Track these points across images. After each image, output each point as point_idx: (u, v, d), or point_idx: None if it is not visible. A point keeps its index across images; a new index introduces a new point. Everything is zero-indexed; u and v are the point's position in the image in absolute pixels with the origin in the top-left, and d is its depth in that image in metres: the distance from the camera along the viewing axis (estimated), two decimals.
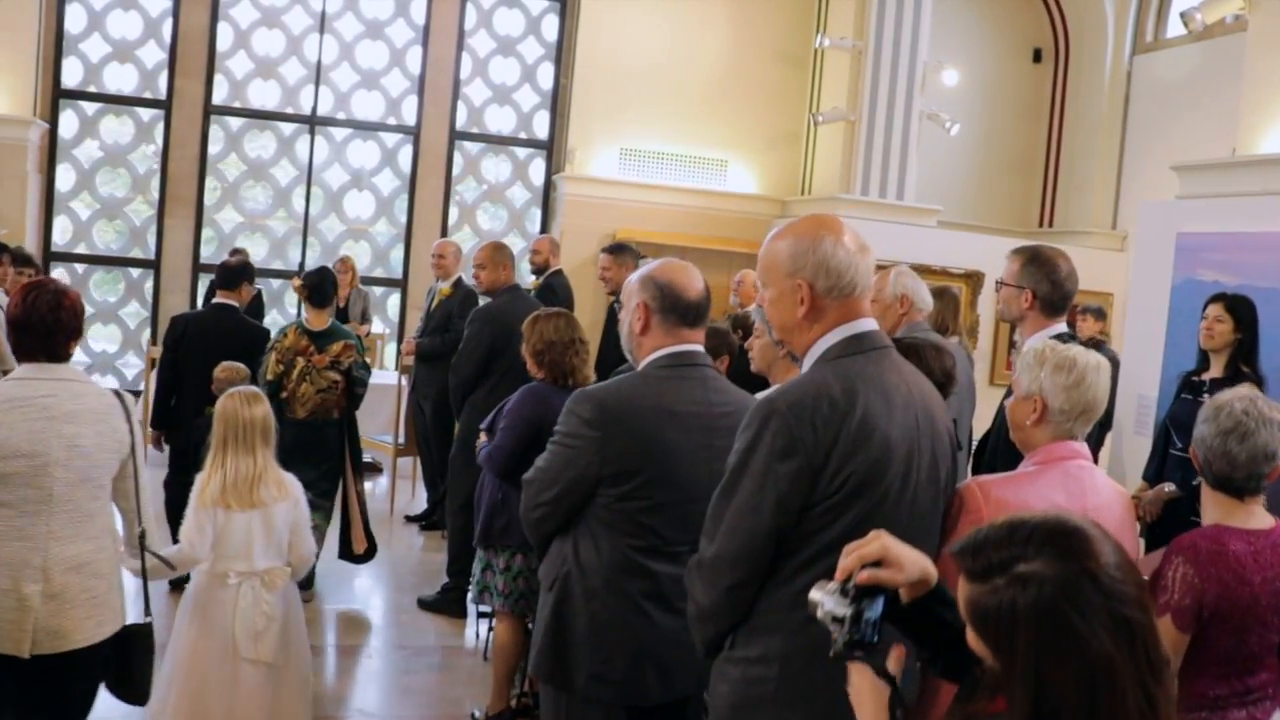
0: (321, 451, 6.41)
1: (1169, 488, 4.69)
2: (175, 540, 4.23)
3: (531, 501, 3.19)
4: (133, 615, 3.69)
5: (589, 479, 3.05)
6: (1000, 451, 3.78)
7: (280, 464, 4.33)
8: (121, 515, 3.66)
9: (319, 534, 6.11)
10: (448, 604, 6.54)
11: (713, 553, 2.42)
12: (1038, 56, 12.31)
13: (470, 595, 5.46)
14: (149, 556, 3.68)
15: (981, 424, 5.36)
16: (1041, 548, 1.50)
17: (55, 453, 3.34)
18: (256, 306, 10.18)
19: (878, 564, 1.89)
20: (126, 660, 3.58)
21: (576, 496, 3.09)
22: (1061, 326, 3.99)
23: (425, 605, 6.64)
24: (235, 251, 10.32)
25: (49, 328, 3.41)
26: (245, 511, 4.11)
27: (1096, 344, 6.87)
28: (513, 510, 4.62)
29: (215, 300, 6.62)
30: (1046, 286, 3.96)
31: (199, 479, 4.16)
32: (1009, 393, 2.94)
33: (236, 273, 6.64)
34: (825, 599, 1.90)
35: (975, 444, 5.08)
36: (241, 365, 5.87)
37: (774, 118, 11.65)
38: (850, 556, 1.91)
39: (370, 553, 6.76)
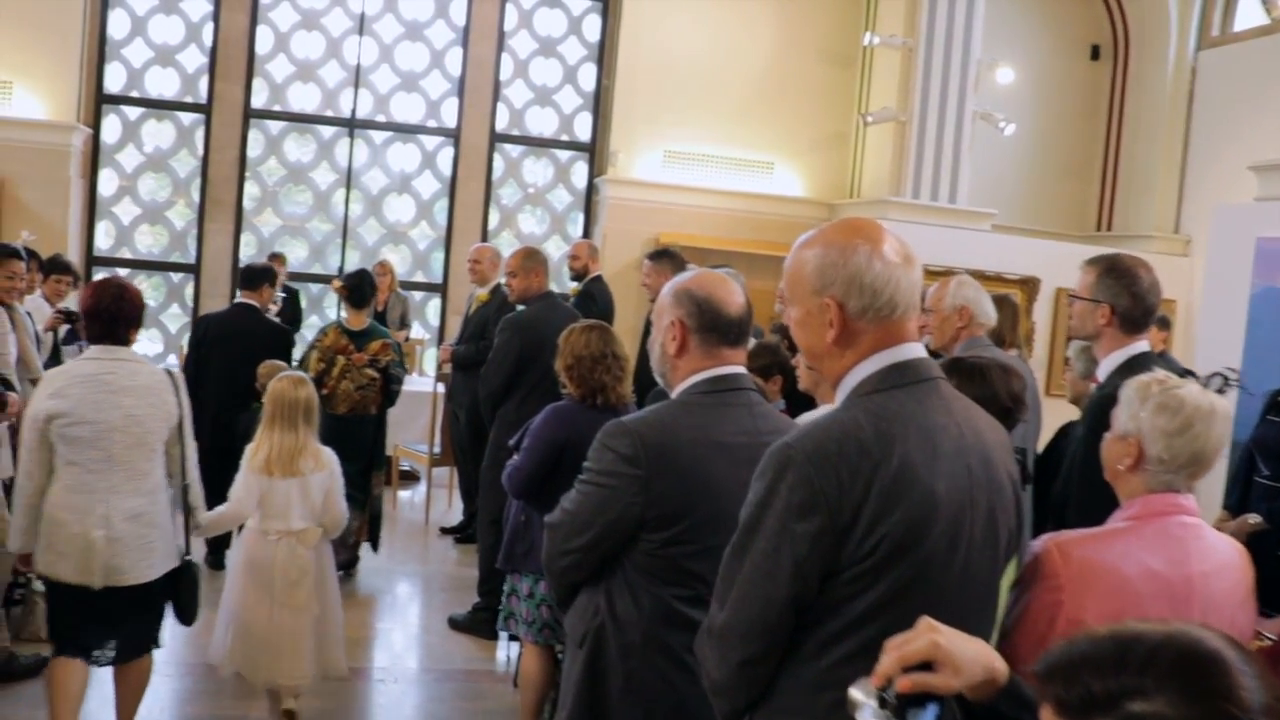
0: (358, 446, 6.61)
1: (1253, 519, 4.27)
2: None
3: (558, 548, 2.82)
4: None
5: (629, 523, 2.67)
6: (1080, 485, 3.34)
7: None
8: (170, 475, 4.34)
9: (356, 523, 6.50)
10: (478, 624, 6.26)
11: (723, 621, 2.03)
12: (1096, 53, 11.75)
13: (498, 621, 5.16)
14: (200, 510, 4.48)
15: (1042, 441, 4.99)
16: (1164, 681, 1.10)
17: (114, 420, 4.09)
18: (294, 309, 10.05)
19: (927, 664, 1.48)
20: (177, 592, 4.37)
21: (613, 543, 2.72)
22: (1143, 345, 3.55)
23: (455, 625, 6.40)
24: (274, 256, 10.15)
25: (112, 316, 4.17)
26: (286, 479, 4.67)
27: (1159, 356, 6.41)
28: (535, 534, 4.41)
29: (237, 300, 6.75)
30: (1126, 300, 3.50)
31: (249, 449, 4.73)
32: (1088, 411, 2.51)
33: (258, 274, 6.76)
34: (865, 704, 1.48)
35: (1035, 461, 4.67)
36: (281, 363, 6.15)
37: (821, 118, 11.26)
38: (890, 657, 1.50)
39: (372, 544, 7.08)
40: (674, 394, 2.79)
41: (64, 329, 6.85)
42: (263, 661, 4.71)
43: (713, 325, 2.72)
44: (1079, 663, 1.15)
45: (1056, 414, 5.19)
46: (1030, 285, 9.95)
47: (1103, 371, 3.56)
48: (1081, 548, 2.21)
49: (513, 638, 5.57)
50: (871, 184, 10.93)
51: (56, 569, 4.16)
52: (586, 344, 4.43)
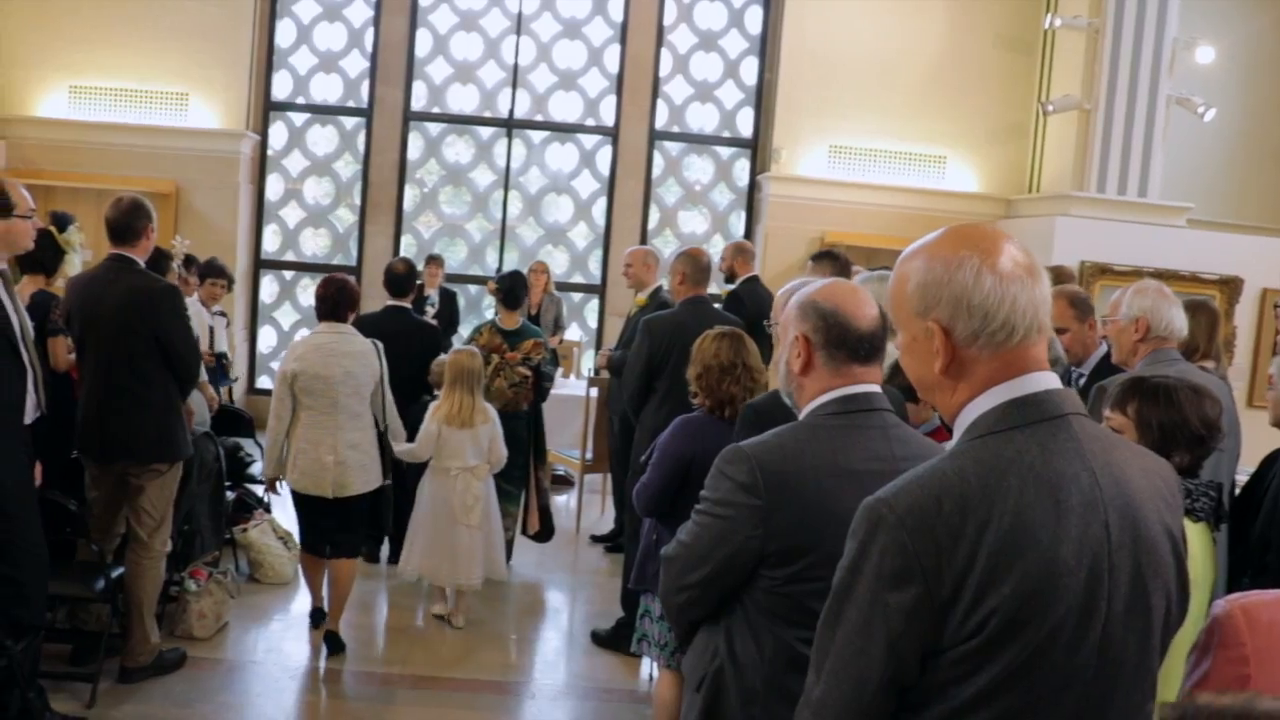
0: (513, 441, 6.73)
1: None
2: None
3: (674, 584, 2.57)
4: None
5: (748, 557, 2.40)
6: None
7: None
8: (375, 417, 5.75)
9: (510, 519, 6.97)
10: (620, 641, 6.00)
11: (818, 695, 1.75)
12: None
13: (632, 642, 4.94)
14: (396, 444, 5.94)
15: (1247, 463, 4.46)
16: None
17: (337, 376, 5.57)
18: (451, 310, 10.03)
19: None
20: (377, 504, 5.87)
21: (731, 579, 2.45)
22: None
23: (598, 640, 6.20)
24: (431, 259, 10.19)
25: (335, 301, 5.68)
26: (460, 429, 6.05)
27: None
28: None
29: (389, 303, 7.07)
30: None
31: (432, 406, 6.16)
32: None
33: (404, 279, 7.13)
34: None
35: (1238, 492, 4.16)
36: (445, 357, 6.69)
37: (998, 108, 10.72)
38: None
39: (544, 535, 7.30)
40: (801, 415, 2.52)
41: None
42: (444, 568, 6.15)
43: (841, 340, 2.44)
44: None
45: (1260, 433, 4.65)
46: (1231, 286, 9.36)
47: None
48: (1274, 611, 1.82)
49: None
50: (1052, 178, 10.33)
51: (302, 484, 5.63)
52: (716, 352, 4.21)
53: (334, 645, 5.74)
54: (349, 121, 11.22)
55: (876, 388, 2.49)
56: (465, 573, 6.14)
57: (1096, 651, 1.66)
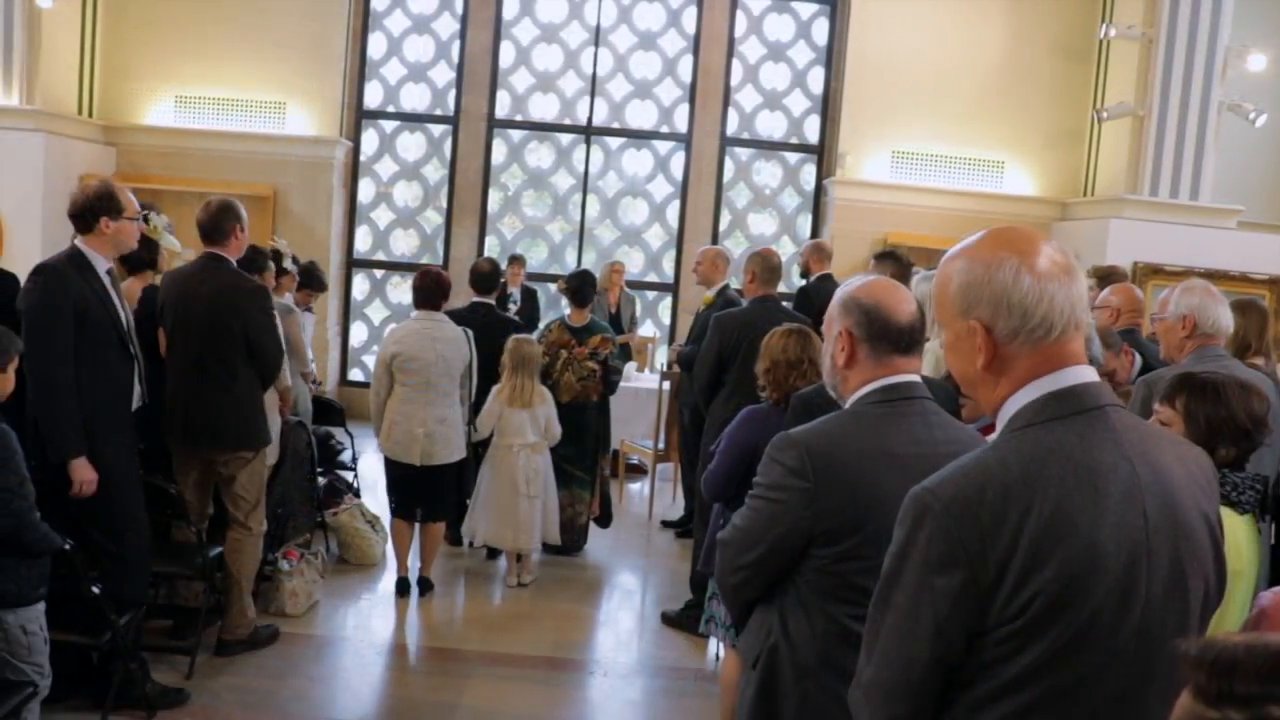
0: (582, 432, 7.00)
1: None
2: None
3: (729, 564, 2.59)
4: None
5: (798, 538, 2.41)
6: None
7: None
8: (460, 398, 6.18)
9: (583, 505, 7.17)
10: (689, 622, 6.00)
11: (869, 677, 1.77)
12: None
13: (700, 623, 4.92)
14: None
15: None
16: None
17: (430, 358, 6.03)
18: (532, 307, 10.09)
19: None
20: (461, 473, 6.36)
21: (783, 559, 2.46)
22: None
23: (668, 621, 6.21)
24: (514, 258, 10.25)
25: (430, 291, 6.15)
26: (520, 410, 6.41)
27: None
28: None
29: (474, 300, 7.14)
30: None
31: (495, 389, 6.43)
32: None
33: (489, 277, 7.21)
34: None
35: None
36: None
37: (1054, 115, 10.52)
38: None
39: (604, 520, 7.40)
40: (846, 405, 2.54)
41: None
42: (506, 535, 6.53)
43: (882, 333, 2.45)
44: (1230, 663, 1.08)
45: None
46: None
47: None
48: None
49: None
50: (1106, 182, 10.12)
51: (395, 453, 6.09)
52: (784, 348, 4.21)
53: (424, 587, 6.34)
54: (436, 129, 11.34)
55: (916, 377, 2.50)
56: (525, 539, 6.53)
57: (1137, 633, 1.66)
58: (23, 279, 4.53)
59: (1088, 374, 1.74)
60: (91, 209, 4.43)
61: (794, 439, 2.45)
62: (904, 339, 2.46)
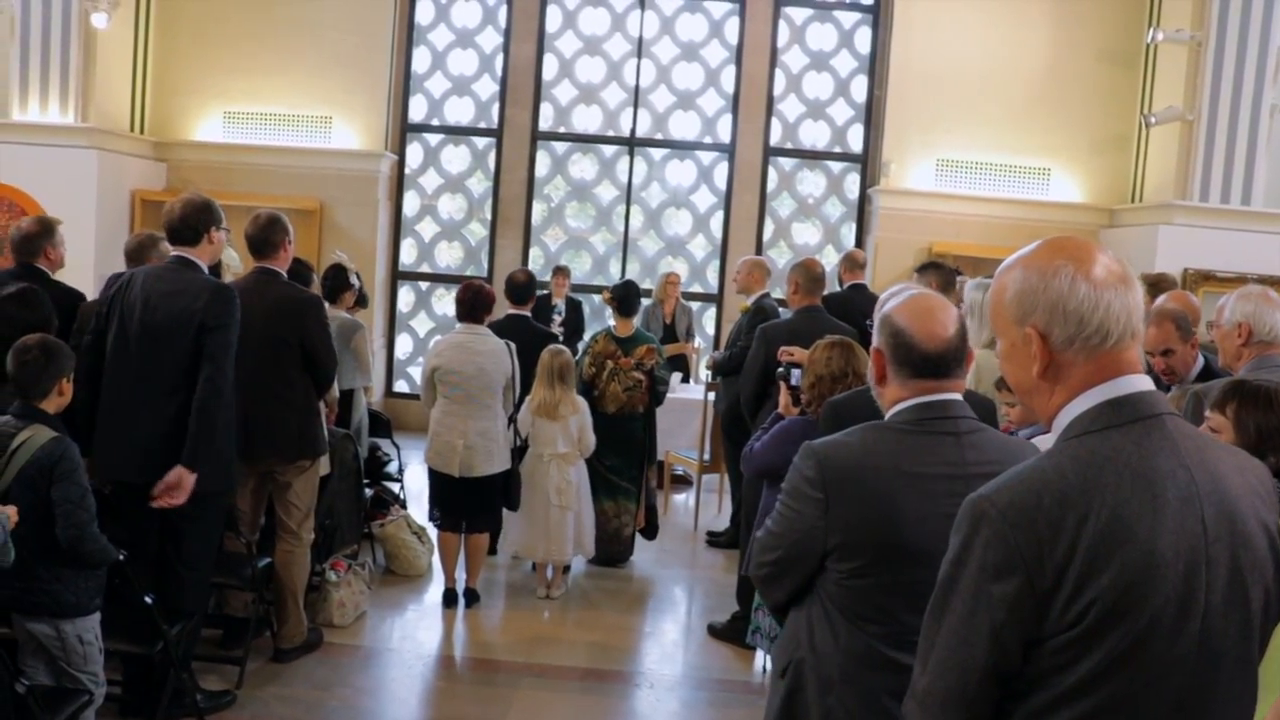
0: (628, 442, 7.05)
1: None
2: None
3: (756, 559, 2.63)
4: None
5: (814, 545, 2.43)
6: None
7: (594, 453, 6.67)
8: (503, 410, 6.20)
9: (629, 516, 7.18)
10: (736, 633, 6.00)
11: (924, 687, 1.76)
12: None
13: (746, 634, 4.93)
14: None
15: None
16: None
17: (471, 371, 6.12)
18: (577, 318, 10.13)
19: None
20: (506, 485, 6.31)
21: (802, 566, 2.48)
22: None
23: (714, 633, 6.22)
24: (558, 270, 10.28)
25: (472, 304, 6.25)
26: (552, 421, 6.44)
27: None
28: None
29: (509, 311, 7.19)
30: None
31: (527, 399, 6.47)
32: None
33: (525, 287, 7.28)
34: None
35: None
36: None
37: (1101, 121, 10.40)
38: None
39: (650, 532, 7.37)
40: (885, 418, 2.54)
41: None
42: (539, 545, 6.53)
43: (905, 359, 2.45)
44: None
45: None
46: None
47: None
48: None
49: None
50: (1154, 188, 10.00)
51: (435, 462, 6.18)
52: (828, 361, 4.19)
53: (470, 598, 6.38)
54: (480, 141, 11.43)
55: (956, 395, 2.47)
56: (558, 550, 6.53)
57: (1196, 642, 1.64)
58: (87, 291, 4.60)
59: (1144, 382, 1.74)
60: (202, 221, 4.53)
61: (814, 449, 2.47)
62: (930, 365, 2.43)
